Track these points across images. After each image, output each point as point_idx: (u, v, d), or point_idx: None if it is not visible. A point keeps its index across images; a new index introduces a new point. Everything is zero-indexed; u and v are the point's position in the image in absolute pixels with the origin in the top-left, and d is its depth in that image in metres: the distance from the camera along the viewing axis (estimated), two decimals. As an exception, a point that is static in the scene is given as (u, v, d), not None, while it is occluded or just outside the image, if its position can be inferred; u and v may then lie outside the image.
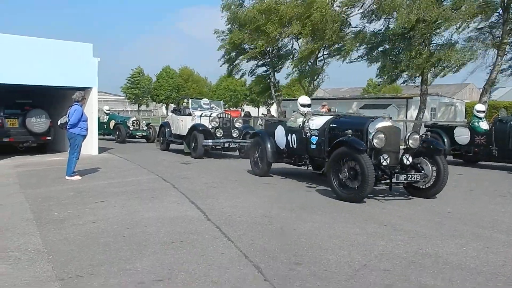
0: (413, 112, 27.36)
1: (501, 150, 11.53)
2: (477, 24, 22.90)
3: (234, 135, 13.40)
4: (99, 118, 17.86)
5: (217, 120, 13.34)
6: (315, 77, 30.51)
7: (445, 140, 12.60)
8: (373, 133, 7.09)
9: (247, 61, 32.50)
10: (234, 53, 32.58)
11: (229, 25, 31.45)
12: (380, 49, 26.20)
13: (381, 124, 7.32)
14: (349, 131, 7.14)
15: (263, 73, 33.89)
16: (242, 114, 35.78)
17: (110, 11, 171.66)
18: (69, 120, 8.88)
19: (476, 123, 12.31)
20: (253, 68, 33.90)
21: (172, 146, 15.50)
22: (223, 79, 62.05)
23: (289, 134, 8.98)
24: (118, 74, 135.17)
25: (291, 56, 31.17)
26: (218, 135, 13.13)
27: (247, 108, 62.39)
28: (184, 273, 3.78)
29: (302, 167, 9.26)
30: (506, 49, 22.69)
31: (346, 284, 3.60)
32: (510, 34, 22.11)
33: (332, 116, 8.38)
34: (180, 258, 4.16)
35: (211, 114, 13.63)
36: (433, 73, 24.67)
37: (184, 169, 10.73)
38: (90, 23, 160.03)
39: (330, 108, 14.07)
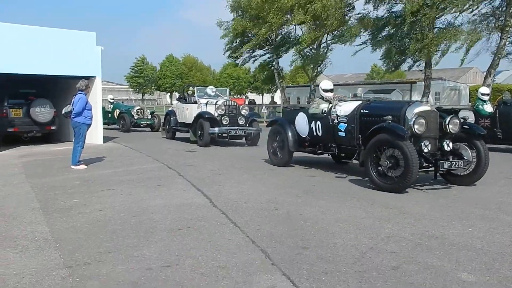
0: (417, 97, 27.24)
1: (505, 132, 11.50)
2: (481, 7, 22.69)
3: (241, 122, 13.28)
4: (103, 107, 17.86)
5: (223, 107, 13.20)
6: (319, 64, 30.36)
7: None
8: (414, 118, 6.66)
9: (252, 51, 32.30)
10: (237, 41, 32.41)
11: (233, 13, 31.29)
12: (384, 33, 25.99)
13: (420, 109, 6.88)
14: (389, 116, 6.67)
15: (267, 60, 33.74)
16: (247, 102, 35.73)
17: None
18: (73, 109, 8.88)
19: (480, 106, 12.24)
20: (257, 57, 33.76)
21: (178, 134, 15.45)
22: (226, 66, 61.83)
23: (313, 122, 8.47)
24: (122, 63, 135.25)
25: (295, 43, 30.98)
26: (224, 123, 13.03)
27: (251, 95, 62.31)
28: (191, 258, 3.80)
29: (320, 156, 9.09)
30: (510, 32, 22.47)
31: (353, 266, 3.61)
32: None
33: (361, 102, 7.87)
34: (187, 244, 4.18)
35: (217, 101, 13.50)
36: (440, 52, 24.35)
37: (189, 157, 10.75)
38: (93, 12, 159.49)
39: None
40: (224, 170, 8.53)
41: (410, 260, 3.75)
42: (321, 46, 30.07)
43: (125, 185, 7.04)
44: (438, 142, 6.94)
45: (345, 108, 7.87)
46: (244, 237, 4.40)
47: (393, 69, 27.72)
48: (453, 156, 7.00)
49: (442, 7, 22.29)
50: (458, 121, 7.03)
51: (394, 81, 34.49)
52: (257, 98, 59.03)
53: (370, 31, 26.57)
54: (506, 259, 3.79)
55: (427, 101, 7.15)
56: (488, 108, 12.18)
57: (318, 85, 32.18)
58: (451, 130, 6.94)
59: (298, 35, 31.08)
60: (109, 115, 20.50)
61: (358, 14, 27.41)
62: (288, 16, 28.80)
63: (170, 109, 16.70)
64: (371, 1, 25.91)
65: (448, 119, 6.96)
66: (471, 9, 22.78)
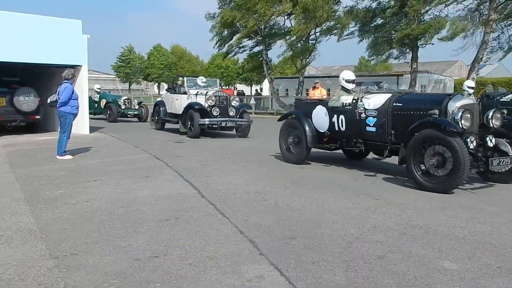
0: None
1: (488, 123, 11.64)
2: (467, 2, 22.97)
3: (231, 113, 13.11)
4: (90, 97, 17.66)
5: (214, 98, 13.03)
6: (308, 56, 30.35)
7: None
8: (460, 113, 6.06)
9: (240, 43, 32.12)
10: (226, 32, 32.18)
11: (220, 4, 31.04)
12: (373, 24, 26.12)
13: (463, 102, 6.38)
14: (435, 110, 6.19)
15: (256, 51, 33.60)
16: (235, 93, 35.62)
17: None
18: (59, 98, 8.76)
19: (466, 99, 12.36)
20: (245, 48, 33.61)
21: (167, 125, 15.29)
22: (215, 57, 61.53)
23: (334, 115, 7.80)
24: (108, 52, 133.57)
25: (284, 34, 30.87)
26: (215, 114, 12.84)
27: (240, 86, 62.14)
28: (180, 249, 3.81)
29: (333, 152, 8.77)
30: (493, 27, 22.75)
31: (340, 256, 3.65)
32: (496, 11, 22.14)
33: (391, 94, 7.23)
34: (176, 234, 4.19)
35: (207, 92, 13.32)
36: (426, 38, 24.47)
37: (177, 147, 10.72)
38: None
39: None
40: (213, 161, 8.53)
41: (395, 249, 3.82)
42: (310, 38, 30.04)
43: (112, 176, 7.00)
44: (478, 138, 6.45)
45: (375, 101, 7.23)
46: (232, 227, 4.42)
47: (380, 58, 27.87)
48: (495, 153, 6.47)
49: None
50: (500, 115, 6.53)
51: (381, 74, 34.67)
52: (246, 89, 58.91)
53: (358, 22, 26.65)
54: (487, 247, 3.88)
55: (469, 93, 6.84)
56: (473, 100, 12.30)
57: (307, 77, 32.23)
58: (493, 125, 6.44)
59: (287, 26, 31.00)
60: (96, 105, 20.27)
61: (345, 7, 27.49)
62: (277, 7, 28.66)
63: (159, 99, 16.41)
64: None
65: (491, 113, 6.46)
66: (456, 2, 22.99)
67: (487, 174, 6.66)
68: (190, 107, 12.96)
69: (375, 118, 7.17)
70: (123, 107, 19.58)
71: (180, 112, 13.60)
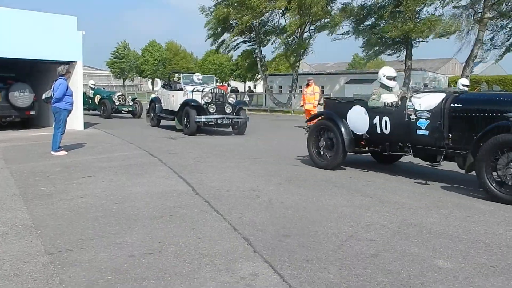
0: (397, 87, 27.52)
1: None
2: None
3: (228, 111, 13.00)
4: (84, 93, 17.60)
5: (210, 95, 12.93)
6: (301, 52, 30.38)
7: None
8: None
9: (233, 38, 32.07)
10: (220, 29, 32.13)
11: (216, 1, 30.98)
12: (367, 23, 26.19)
13: None
14: None
15: (249, 48, 33.60)
16: (229, 90, 35.57)
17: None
18: (53, 94, 8.74)
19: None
20: (239, 44, 33.60)
21: (163, 122, 15.23)
22: (209, 53, 61.39)
23: (377, 117, 7.10)
24: (102, 48, 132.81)
25: (277, 32, 30.87)
26: (211, 111, 12.75)
27: (234, 83, 62.10)
28: (174, 246, 3.82)
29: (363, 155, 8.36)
30: (487, 25, 22.86)
31: (334, 254, 3.68)
32: (491, 9, 22.25)
33: (446, 94, 6.57)
34: (170, 231, 4.20)
35: (204, 89, 13.22)
36: (419, 36, 24.59)
37: (172, 144, 10.71)
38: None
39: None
40: (207, 158, 8.53)
41: (389, 247, 3.85)
42: (304, 34, 30.08)
43: (106, 172, 6.99)
44: None
45: (427, 101, 6.55)
46: (227, 224, 4.44)
47: (373, 56, 27.98)
48: None
49: None
50: None
51: (375, 71, 34.75)
52: (240, 86, 58.88)
53: (353, 20, 26.70)
54: (481, 246, 3.92)
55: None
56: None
57: (300, 74, 32.27)
58: None
59: (281, 24, 31.02)
60: (90, 101, 20.22)
61: (342, 4, 27.51)
62: (273, 3, 28.64)
63: (154, 96, 16.43)
64: None
65: None
66: (451, 1, 23.10)
67: None
68: (186, 104, 12.87)
69: (428, 120, 6.47)
70: (117, 103, 19.54)
71: (176, 109, 13.50)
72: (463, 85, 12.68)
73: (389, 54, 27.18)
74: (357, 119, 7.42)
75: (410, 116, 6.63)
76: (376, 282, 3.17)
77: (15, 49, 11.82)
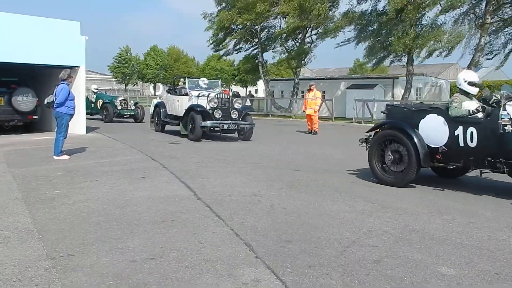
0: (399, 92, 27.56)
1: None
2: (461, 4, 23.04)
3: (233, 116, 12.75)
4: (86, 97, 17.64)
5: (216, 100, 12.68)
6: (303, 57, 30.43)
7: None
8: None
9: (236, 43, 32.19)
10: (222, 34, 32.21)
11: (218, 6, 31.09)
12: (370, 28, 26.25)
13: None
14: None
15: (251, 53, 33.68)
16: (230, 94, 35.59)
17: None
18: (56, 99, 8.77)
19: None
20: (241, 50, 33.68)
21: (167, 127, 14.99)
22: (210, 58, 61.58)
23: (459, 127, 6.27)
24: (104, 52, 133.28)
25: (279, 37, 30.94)
26: (217, 117, 12.48)
27: (235, 88, 62.25)
28: (176, 251, 3.81)
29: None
30: (489, 30, 22.89)
31: (336, 260, 3.67)
32: (492, 15, 22.29)
33: None
34: (172, 236, 4.19)
35: (209, 94, 13.00)
36: (422, 52, 24.72)
37: (173, 149, 10.71)
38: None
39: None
40: (208, 163, 8.53)
41: (391, 254, 3.83)
42: (306, 40, 30.14)
43: (108, 176, 6.99)
44: None
45: None
46: (228, 230, 4.43)
47: (374, 63, 28.04)
48: None
49: (424, 4, 22.55)
50: None
51: (377, 76, 34.76)
52: (241, 91, 59.00)
53: (355, 27, 26.77)
54: (484, 253, 3.90)
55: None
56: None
57: (302, 79, 32.32)
58: None
59: (283, 29, 31.06)
60: (92, 105, 20.26)
61: (345, 10, 27.60)
62: (275, 10, 28.78)
63: (159, 100, 16.09)
64: None
65: None
66: (452, 8, 23.11)
67: None
68: (191, 109, 12.62)
69: None
70: (119, 108, 19.57)
71: (181, 114, 13.27)
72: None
73: (391, 62, 27.26)
74: (433, 130, 6.57)
75: (506, 127, 5.83)
76: (378, 289, 3.15)
77: (18, 54, 11.87)
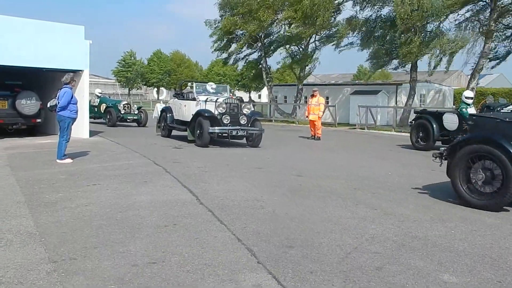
0: (402, 98, 27.56)
1: (489, 136, 11.66)
2: (465, 12, 23.14)
3: (242, 122, 12.36)
4: (90, 101, 17.69)
5: (224, 105, 12.30)
6: (307, 63, 30.48)
7: (434, 126, 12.75)
8: None
9: (240, 50, 32.28)
10: (225, 39, 32.30)
11: (221, 11, 31.19)
12: (376, 34, 26.33)
13: None
14: None
15: (255, 59, 33.76)
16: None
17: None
18: (58, 102, 8.79)
19: (464, 109, 12.44)
20: (245, 54, 33.78)
21: (174, 132, 14.61)
22: (214, 64, 61.75)
23: None
24: (107, 57, 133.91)
25: (283, 42, 31.03)
26: (225, 122, 12.10)
27: (239, 93, 62.36)
28: (177, 256, 3.81)
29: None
30: (493, 37, 22.90)
31: (338, 266, 3.66)
32: (497, 22, 22.29)
33: None
34: (174, 241, 4.19)
35: (218, 99, 12.63)
36: (425, 58, 24.76)
37: (176, 153, 10.72)
38: (78, 4, 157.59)
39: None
40: (211, 168, 8.53)
41: (393, 260, 3.82)
42: (309, 45, 30.22)
43: (111, 180, 7.00)
44: None
45: None
46: (230, 235, 4.42)
47: (378, 68, 28.12)
48: None
49: (428, 14, 22.59)
50: None
51: (380, 83, 34.80)
52: (245, 96, 59.07)
53: (359, 33, 26.85)
54: (487, 261, 3.88)
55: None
56: (472, 111, 12.40)
57: (305, 85, 32.36)
58: None
59: (287, 35, 31.15)
60: (96, 109, 20.32)
61: (350, 17, 27.61)
62: (279, 16, 28.86)
63: (165, 105, 15.58)
64: (357, 4, 26.22)
65: None
66: (457, 13, 23.20)
67: None
68: (199, 114, 12.26)
69: None
70: (122, 112, 19.60)
71: (189, 119, 12.93)
72: (466, 97, 12.72)
73: (394, 68, 27.31)
74: None
75: None
76: (380, 295, 3.14)
77: (23, 58, 11.93)
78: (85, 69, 13.33)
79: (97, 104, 20.58)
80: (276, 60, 45.96)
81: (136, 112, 20.19)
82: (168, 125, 14.56)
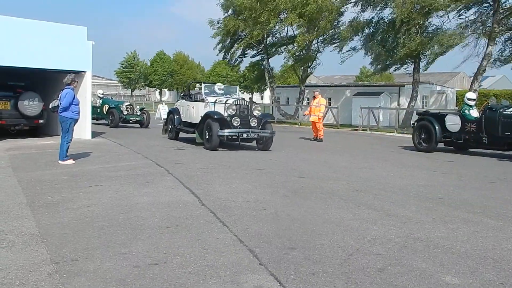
0: (405, 100, 27.53)
1: (490, 137, 11.69)
2: (470, 14, 23.09)
3: (253, 124, 11.94)
4: (92, 102, 17.71)
5: (234, 107, 11.92)
6: (309, 65, 30.48)
7: (436, 127, 12.72)
8: None
9: (243, 51, 32.31)
10: (229, 40, 32.32)
11: (224, 12, 31.22)
12: (376, 38, 26.32)
13: None
14: None
15: (257, 60, 33.77)
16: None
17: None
18: (60, 103, 8.81)
19: (466, 111, 12.42)
20: (247, 56, 33.81)
21: (181, 134, 14.37)
22: (216, 65, 61.82)
23: None
24: (110, 58, 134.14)
25: (286, 44, 31.02)
26: (235, 124, 11.70)
27: (241, 95, 62.43)
28: (179, 257, 3.81)
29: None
30: (496, 39, 22.84)
31: (340, 267, 3.65)
32: (500, 24, 22.24)
33: None
34: (176, 242, 4.19)
35: (227, 100, 12.26)
36: (426, 58, 24.70)
37: (178, 154, 10.73)
38: (79, 2, 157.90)
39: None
40: (213, 169, 8.53)
41: (395, 262, 3.81)
42: (312, 47, 30.21)
43: (113, 181, 7.01)
44: None
45: None
46: (232, 236, 4.42)
47: (381, 70, 28.08)
48: None
49: (428, 10, 22.57)
50: None
51: (383, 84, 34.74)
52: (247, 97, 59.12)
53: (361, 36, 26.87)
54: (489, 263, 3.87)
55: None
56: (474, 113, 12.37)
57: (308, 86, 32.38)
58: None
59: (289, 35, 31.16)
60: (98, 110, 20.35)
61: (350, 19, 27.70)
62: (282, 17, 28.88)
63: (173, 107, 15.20)
64: (359, 4, 26.22)
65: None
66: (458, 14, 23.15)
67: None
68: (208, 116, 11.87)
69: None
70: (125, 113, 19.63)
71: (197, 121, 12.58)
72: (468, 99, 12.70)
73: (396, 69, 27.29)
74: None
75: None
76: (382, 297, 3.13)
77: (25, 59, 11.96)
78: (87, 70, 13.37)
79: (99, 105, 20.62)
80: (279, 62, 45.89)
81: (138, 113, 20.22)
82: (175, 127, 14.20)
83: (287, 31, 31.21)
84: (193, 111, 13.23)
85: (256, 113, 12.29)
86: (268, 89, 36.60)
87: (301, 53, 29.85)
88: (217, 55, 33.57)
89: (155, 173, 7.92)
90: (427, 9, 22.51)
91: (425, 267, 3.72)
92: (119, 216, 5.05)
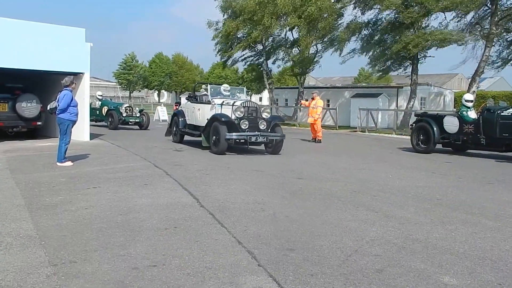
0: (403, 101, 27.57)
1: (488, 138, 11.72)
2: (463, 15, 23.11)
3: (261, 127, 11.42)
4: (90, 104, 17.71)
5: (242, 109, 11.40)
6: (309, 66, 30.52)
7: (435, 129, 12.75)
8: None
9: (242, 52, 32.37)
10: (228, 43, 32.33)
11: (223, 14, 31.27)
12: (375, 39, 26.39)
13: None
14: None
15: (256, 62, 33.80)
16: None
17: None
18: (58, 105, 8.80)
19: (464, 112, 12.45)
20: (247, 57, 33.84)
21: (186, 137, 13.92)
22: (215, 66, 61.84)
23: None
24: (109, 59, 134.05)
25: (286, 45, 31.06)
26: (243, 128, 11.16)
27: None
28: (178, 258, 3.80)
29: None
30: (494, 41, 22.90)
31: (339, 268, 3.65)
32: (498, 26, 22.30)
33: None
34: (174, 244, 4.19)
35: (235, 102, 11.76)
36: (421, 51, 24.68)
37: (177, 156, 10.72)
38: (78, 4, 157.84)
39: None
40: (212, 170, 8.53)
41: (394, 263, 3.81)
42: (311, 49, 30.29)
43: (111, 183, 7.00)
44: None
45: None
46: (231, 237, 4.42)
47: (380, 73, 28.11)
48: None
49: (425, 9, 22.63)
50: None
51: (381, 86, 34.78)
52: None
53: (358, 37, 26.92)
54: (487, 263, 3.88)
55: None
56: (472, 114, 12.40)
57: (306, 87, 32.48)
58: None
59: (288, 38, 31.22)
60: (97, 112, 20.33)
61: (351, 21, 27.65)
62: (282, 22, 28.93)
63: (178, 109, 14.72)
64: (358, 8, 26.30)
65: None
66: (457, 16, 23.21)
67: None
68: (215, 118, 11.32)
69: None
70: (124, 115, 19.62)
71: (203, 124, 12.09)
72: (466, 100, 12.73)
73: (394, 69, 27.33)
74: None
75: None
76: (381, 298, 3.14)
77: (23, 60, 11.95)
78: (85, 72, 13.36)
79: (98, 106, 20.61)
80: (277, 63, 45.86)
81: (138, 115, 20.21)
82: (180, 130, 13.64)
83: (286, 33, 31.31)
84: (199, 114, 12.69)
85: (265, 115, 11.83)
86: (266, 91, 36.61)
87: (303, 56, 29.95)
88: (216, 55, 33.57)
89: (153, 174, 7.91)
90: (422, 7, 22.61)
91: (423, 268, 3.72)
92: (118, 218, 5.04)
